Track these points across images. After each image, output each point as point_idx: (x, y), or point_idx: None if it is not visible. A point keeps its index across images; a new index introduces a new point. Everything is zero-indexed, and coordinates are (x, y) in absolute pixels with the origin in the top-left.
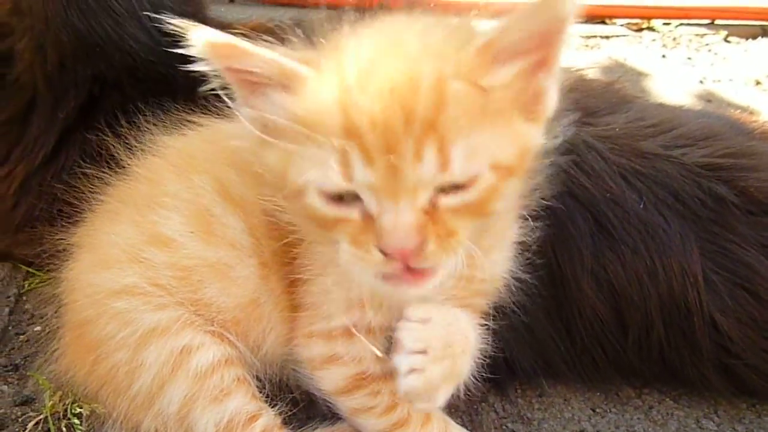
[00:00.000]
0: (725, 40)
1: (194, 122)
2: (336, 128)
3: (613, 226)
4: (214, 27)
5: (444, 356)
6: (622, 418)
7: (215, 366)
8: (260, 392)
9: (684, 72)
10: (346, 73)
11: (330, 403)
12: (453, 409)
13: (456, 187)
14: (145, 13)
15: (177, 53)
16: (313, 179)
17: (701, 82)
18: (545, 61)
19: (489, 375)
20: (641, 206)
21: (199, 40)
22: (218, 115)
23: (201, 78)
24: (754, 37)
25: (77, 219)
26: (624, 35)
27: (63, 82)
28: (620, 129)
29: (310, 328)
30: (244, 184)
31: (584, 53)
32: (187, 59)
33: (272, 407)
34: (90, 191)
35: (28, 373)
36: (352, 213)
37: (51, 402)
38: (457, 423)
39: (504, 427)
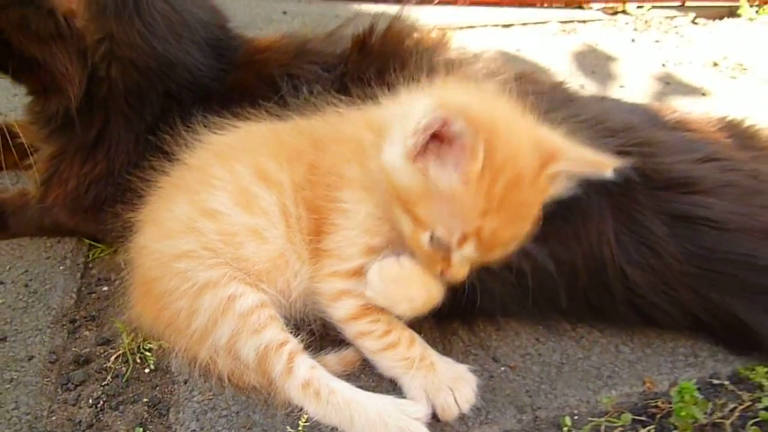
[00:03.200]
0: (693, 22)
1: (230, 123)
2: (471, 225)
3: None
4: (238, 38)
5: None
6: (559, 345)
7: (254, 308)
8: (287, 326)
9: (650, 55)
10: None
11: (339, 330)
12: (430, 340)
13: None
14: (198, 33)
15: (218, 67)
16: (437, 227)
17: (663, 65)
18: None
19: (460, 314)
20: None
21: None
22: (246, 118)
23: (237, 86)
24: (721, 18)
25: (139, 202)
26: (600, 20)
27: (141, 99)
28: (558, 124)
29: (331, 268)
30: (277, 168)
31: (562, 39)
32: (226, 72)
33: (296, 336)
34: (151, 179)
35: (110, 319)
36: (439, 253)
37: (127, 341)
38: (434, 349)
39: (468, 352)
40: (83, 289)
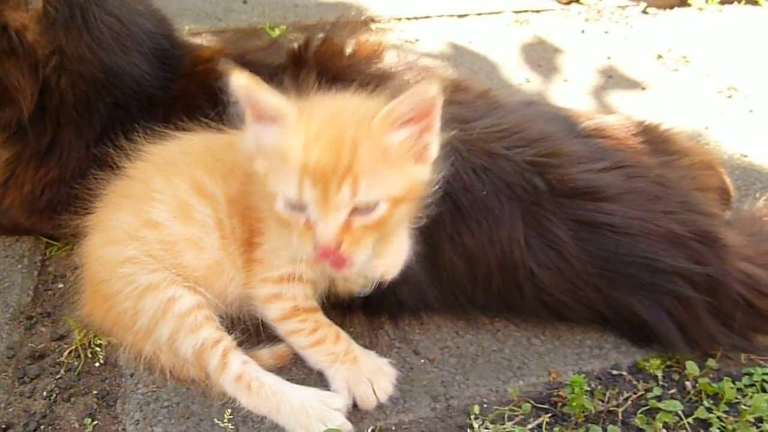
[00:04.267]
0: (644, 11)
1: (173, 135)
2: (299, 162)
3: (465, 207)
4: (183, 48)
5: None
6: (476, 338)
7: (191, 309)
8: (223, 324)
9: (597, 47)
10: (308, 130)
11: (273, 328)
12: (358, 334)
13: (363, 211)
14: (144, 44)
15: (163, 76)
16: (281, 190)
17: (609, 57)
18: (428, 126)
19: (387, 310)
20: (484, 193)
21: (235, 81)
22: (187, 130)
23: (180, 96)
24: (671, 7)
25: (89, 207)
26: (553, 9)
27: (90, 109)
28: (477, 134)
29: (263, 275)
30: (212, 182)
31: (514, 30)
32: (170, 81)
33: (231, 334)
34: (99, 187)
35: (60, 318)
36: (301, 218)
37: (79, 337)
38: (361, 344)
39: (393, 345)
40: (40, 286)
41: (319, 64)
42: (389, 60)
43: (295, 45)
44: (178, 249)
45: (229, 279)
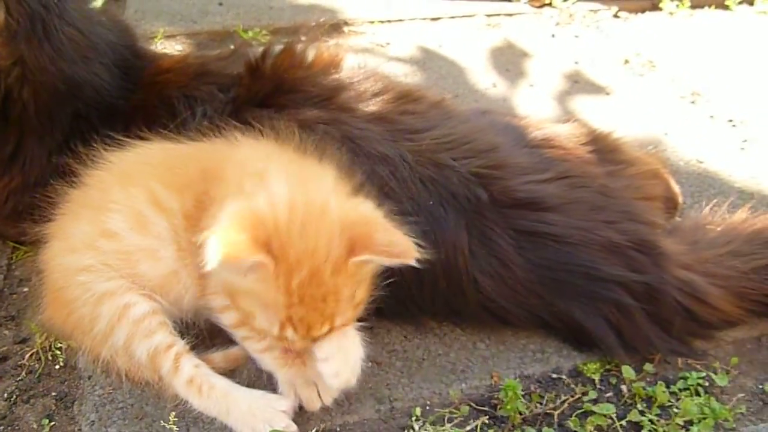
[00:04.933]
0: (615, 15)
1: (132, 144)
2: (282, 315)
3: (410, 216)
4: (145, 58)
5: None
6: (423, 342)
7: (145, 315)
8: (178, 328)
9: (566, 51)
10: (290, 288)
11: (228, 333)
12: None
13: None
14: (106, 55)
15: (125, 86)
16: (258, 320)
17: (576, 62)
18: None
19: None
20: (431, 203)
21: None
22: (145, 140)
23: (140, 107)
24: (643, 11)
25: (50, 215)
26: (525, 13)
27: (51, 118)
28: (427, 144)
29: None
30: (168, 196)
31: (485, 33)
32: (131, 92)
33: (183, 339)
34: (60, 196)
35: (23, 321)
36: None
37: (40, 340)
38: None
39: None
40: (5, 289)
41: (275, 75)
42: (348, 69)
43: (252, 56)
44: (134, 259)
45: (185, 288)
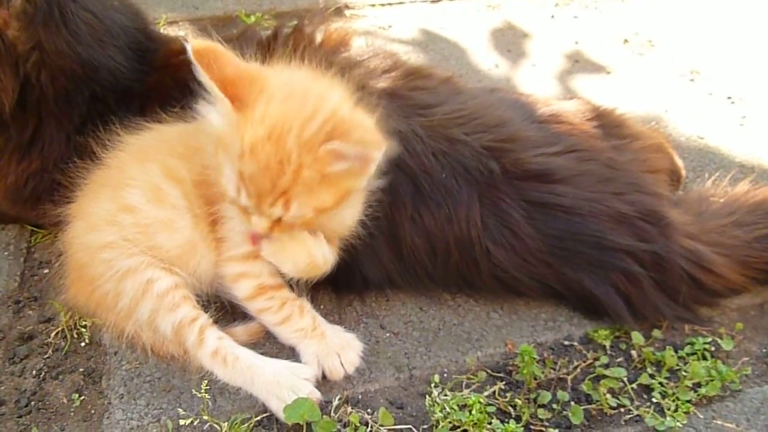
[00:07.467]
0: None
1: (145, 126)
2: (236, 167)
3: (425, 189)
4: (158, 41)
5: None
6: (438, 313)
7: (169, 289)
8: (199, 302)
9: (566, 32)
10: (248, 136)
11: (243, 307)
12: (328, 311)
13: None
14: (120, 38)
15: (139, 69)
16: (224, 179)
17: (576, 42)
18: (363, 168)
19: (354, 288)
20: (444, 176)
21: (190, 50)
22: (160, 120)
23: (155, 89)
24: None
25: (70, 196)
26: None
27: (69, 102)
28: (438, 119)
29: (228, 254)
30: (182, 167)
31: (485, 15)
32: (146, 74)
33: (207, 311)
34: (79, 176)
35: (47, 302)
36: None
37: (65, 319)
38: (330, 320)
39: (360, 320)
40: (26, 272)
41: (286, 54)
42: (357, 48)
43: (264, 36)
44: (152, 231)
45: (202, 258)
